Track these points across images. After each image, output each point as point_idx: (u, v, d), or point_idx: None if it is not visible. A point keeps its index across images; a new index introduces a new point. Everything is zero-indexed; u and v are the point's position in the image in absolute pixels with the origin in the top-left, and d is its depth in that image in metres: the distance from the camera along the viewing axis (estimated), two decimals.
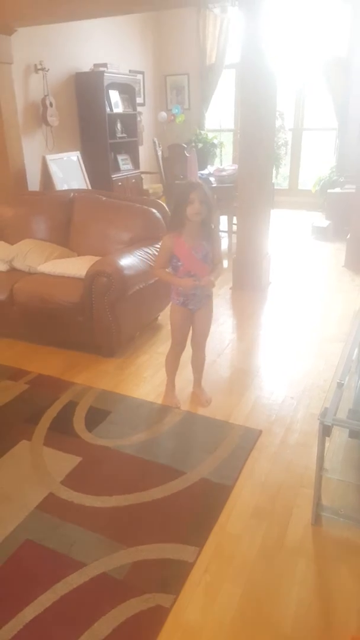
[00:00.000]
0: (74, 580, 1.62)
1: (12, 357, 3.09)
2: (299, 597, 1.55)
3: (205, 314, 2.45)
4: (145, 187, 6.38)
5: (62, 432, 2.37)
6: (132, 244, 3.28)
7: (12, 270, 3.33)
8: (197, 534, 1.78)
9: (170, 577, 1.62)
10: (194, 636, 1.45)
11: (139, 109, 6.30)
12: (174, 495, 1.96)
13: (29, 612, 1.52)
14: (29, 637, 1.46)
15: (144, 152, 6.44)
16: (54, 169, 5.00)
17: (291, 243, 5.60)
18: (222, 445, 2.24)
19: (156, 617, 1.50)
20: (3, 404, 2.60)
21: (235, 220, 4.85)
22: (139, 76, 6.46)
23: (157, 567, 1.66)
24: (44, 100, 5.00)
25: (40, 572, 1.66)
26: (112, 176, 5.69)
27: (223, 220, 5.47)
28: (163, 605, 1.53)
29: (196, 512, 1.88)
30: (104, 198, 3.63)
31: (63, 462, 2.16)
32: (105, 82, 5.40)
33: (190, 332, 2.52)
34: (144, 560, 1.68)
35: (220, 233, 2.43)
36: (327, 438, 1.69)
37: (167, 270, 2.34)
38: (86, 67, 5.51)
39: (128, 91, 6.00)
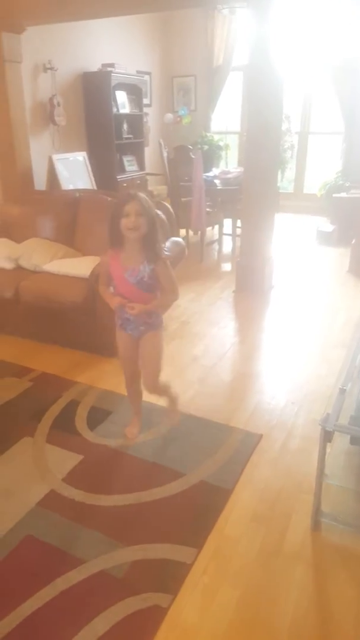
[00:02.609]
0: (73, 576, 1.64)
1: (16, 354, 3.11)
2: (297, 602, 1.56)
3: (145, 345, 2.11)
4: (149, 188, 6.40)
5: (64, 430, 2.39)
6: None
7: (18, 268, 3.35)
8: (195, 535, 1.80)
9: (168, 578, 1.64)
10: (191, 637, 1.47)
11: (145, 109, 6.31)
12: (173, 496, 1.98)
13: (28, 607, 1.54)
14: (27, 630, 1.48)
15: (149, 153, 6.45)
16: (60, 168, 5.02)
17: (295, 247, 5.61)
18: (222, 449, 2.25)
19: (154, 617, 1.52)
20: (7, 401, 2.62)
21: (239, 223, 4.88)
22: (146, 77, 6.48)
23: (156, 567, 1.68)
24: (51, 99, 5.02)
25: (40, 568, 1.68)
26: (117, 177, 5.71)
27: (227, 223, 5.48)
28: (161, 605, 1.55)
29: (195, 514, 1.90)
30: (109, 198, 3.64)
31: (65, 460, 2.18)
32: (113, 83, 5.42)
33: None
34: (143, 559, 1.70)
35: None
36: (328, 444, 1.70)
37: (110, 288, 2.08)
38: (94, 66, 5.53)
39: (135, 92, 6.01)
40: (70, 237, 3.62)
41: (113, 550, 1.73)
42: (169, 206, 3.65)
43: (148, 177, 6.36)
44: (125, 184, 5.79)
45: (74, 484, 2.04)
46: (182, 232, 5.05)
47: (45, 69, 4.98)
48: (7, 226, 3.72)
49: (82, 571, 1.66)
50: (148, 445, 2.28)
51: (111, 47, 5.81)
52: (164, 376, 2.77)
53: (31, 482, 2.06)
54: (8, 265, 3.34)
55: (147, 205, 1.86)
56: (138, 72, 6.27)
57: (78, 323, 3.08)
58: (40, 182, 4.96)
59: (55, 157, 5.02)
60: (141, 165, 6.21)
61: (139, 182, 6.09)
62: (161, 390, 2.25)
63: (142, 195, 1.88)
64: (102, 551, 1.73)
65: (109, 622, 1.49)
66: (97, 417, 2.49)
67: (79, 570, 1.66)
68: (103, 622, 1.49)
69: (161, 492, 1.99)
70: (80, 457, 2.20)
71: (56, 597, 1.57)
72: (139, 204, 1.84)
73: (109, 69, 5.46)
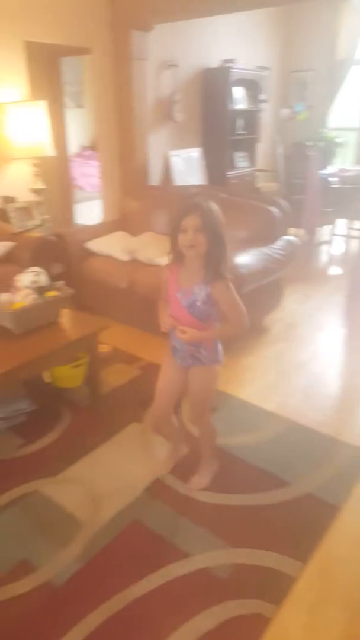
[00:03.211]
0: (178, 569, 1.67)
1: (127, 342, 3.25)
2: None
3: (192, 380, 1.84)
4: (258, 185, 6.30)
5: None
6: (248, 243, 3.26)
7: (134, 260, 3.49)
8: (299, 548, 1.75)
9: (272, 587, 1.61)
10: None
11: (260, 105, 6.21)
12: (278, 504, 1.94)
13: (133, 592, 1.60)
14: (131, 615, 1.53)
15: (261, 149, 6.35)
16: (175, 164, 5.13)
17: None
18: (330, 463, 2.16)
19: (257, 625, 1.50)
20: (117, 386, 2.76)
21: (355, 224, 4.63)
22: (265, 72, 6.36)
23: (259, 573, 1.66)
24: (171, 96, 5.13)
25: (145, 555, 1.74)
26: (227, 173, 5.69)
27: (340, 224, 5.23)
28: (264, 615, 1.53)
29: (300, 526, 1.85)
30: (223, 195, 3.64)
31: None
32: (232, 78, 5.40)
33: None
34: (247, 564, 1.69)
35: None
36: None
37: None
38: (214, 62, 5.55)
39: (252, 87, 5.94)
40: None
41: (217, 549, 1.74)
42: (284, 203, 3.57)
43: (257, 174, 6.27)
44: (234, 180, 5.76)
45: (179, 475, 2.08)
46: (291, 230, 4.91)
47: (168, 66, 5.09)
48: (125, 220, 3.89)
49: (186, 565, 1.69)
50: (252, 449, 2.26)
51: (232, 42, 5.78)
52: (269, 378, 2.71)
53: (138, 467, 2.14)
54: (125, 257, 3.49)
55: (210, 218, 1.58)
56: (257, 67, 6.18)
57: None
58: (154, 177, 5.10)
59: (171, 153, 5.13)
60: (252, 162, 6.13)
61: (248, 178, 6.03)
62: (205, 425, 1.99)
63: (206, 205, 1.59)
64: (207, 548, 1.74)
65: (212, 622, 1.50)
66: None
67: (183, 564, 1.69)
68: (206, 620, 1.51)
69: (266, 499, 1.97)
70: (186, 450, 2.24)
71: (160, 587, 1.61)
72: (199, 218, 1.56)
73: (229, 64, 5.44)
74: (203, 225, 1.56)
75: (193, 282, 1.67)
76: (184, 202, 1.62)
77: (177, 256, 1.68)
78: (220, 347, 1.84)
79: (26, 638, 1.48)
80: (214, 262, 1.63)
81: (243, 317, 1.71)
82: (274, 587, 1.61)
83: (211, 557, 1.71)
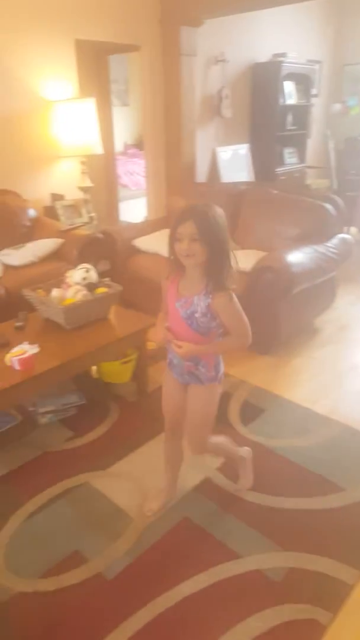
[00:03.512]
0: (229, 569, 1.65)
1: None
2: None
3: (190, 399, 1.70)
4: (307, 182, 6.15)
5: (217, 421, 2.37)
6: (300, 241, 3.19)
7: None
8: (357, 556, 1.68)
9: (327, 594, 1.56)
10: None
11: (311, 100, 6.06)
12: (333, 510, 1.88)
13: (183, 589, 1.59)
14: (182, 612, 1.53)
15: (310, 145, 6.20)
16: (222, 161, 5.09)
17: None
18: None
19: (312, 631, 1.46)
20: None
21: None
22: (316, 66, 6.20)
23: (314, 579, 1.61)
24: (220, 92, 5.08)
25: (196, 553, 1.72)
26: (276, 170, 5.59)
27: None
28: (319, 621, 1.48)
29: (357, 533, 1.78)
30: (275, 192, 3.58)
31: None
32: (282, 73, 5.30)
33: None
34: (301, 568, 1.65)
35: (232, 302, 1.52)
36: None
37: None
38: (264, 57, 5.45)
39: (303, 81, 5.80)
40: (230, 230, 3.60)
41: (270, 552, 1.70)
42: (339, 199, 3.46)
43: (307, 170, 6.12)
44: (283, 177, 5.65)
45: (229, 475, 2.05)
46: (352, 230, 4.76)
47: (217, 61, 5.04)
48: (172, 217, 3.88)
49: (237, 565, 1.66)
50: (303, 452, 2.20)
51: (282, 36, 5.66)
52: (320, 381, 2.62)
53: (186, 465, 2.11)
54: None
55: (208, 225, 1.42)
56: (308, 60, 6.03)
57: None
58: (200, 174, 5.07)
59: (218, 149, 5.09)
60: (301, 158, 6.00)
61: (297, 175, 5.90)
62: (211, 451, 1.86)
63: (202, 211, 1.44)
64: (258, 550, 1.71)
65: (265, 624, 1.47)
66: (250, 413, 2.48)
67: (234, 564, 1.67)
68: (259, 623, 1.48)
69: (320, 503, 1.91)
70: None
71: (211, 586, 1.60)
72: (194, 226, 1.42)
73: (280, 58, 5.34)
74: (199, 234, 1.42)
75: (193, 292, 1.54)
76: (179, 210, 1.49)
77: (178, 264, 1.54)
78: (221, 365, 1.68)
79: (78, 629, 1.50)
80: (215, 272, 1.49)
81: (246, 331, 1.56)
82: (329, 594, 1.56)
83: (263, 559, 1.68)
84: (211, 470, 2.09)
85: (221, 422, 2.39)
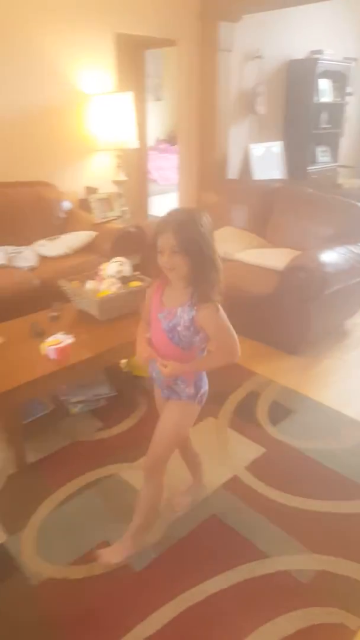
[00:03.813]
0: (256, 568, 1.65)
1: None
2: None
3: (166, 411, 1.62)
4: (339, 181, 6.06)
5: (245, 419, 2.42)
6: (334, 240, 3.14)
7: None
8: None
9: (354, 598, 1.55)
10: None
11: (346, 98, 5.95)
12: None
13: (213, 585, 1.59)
14: (208, 609, 1.52)
15: (344, 144, 6.10)
16: (254, 157, 5.04)
17: None
18: None
19: (340, 635, 1.45)
20: None
21: None
22: (353, 63, 6.08)
23: (342, 583, 1.60)
24: (255, 88, 5.03)
25: (223, 550, 1.73)
26: (308, 168, 5.52)
27: None
28: (348, 626, 1.47)
29: None
30: (309, 190, 3.54)
31: (247, 449, 2.21)
32: (318, 70, 5.22)
33: None
34: (329, 572, 1.63)
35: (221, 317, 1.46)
36: None
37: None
38: (300, 54, 5.38)
39: (339, 79, 5.70)
40: (262, 228, 3.61)
41: (298, 553, 1.69)
42: None
43: (340, 169, 6.03)
44: (315, 176, 5.58)
45: (257, 474, 2.05)
46: None
47: (253, 58, 5.00)
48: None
49: (265, 565, 1.66)
50: (332, 454, 2.18)
51: (318, 33, 5.57)
52: (351, 383, 2.56)
53: (215, 462, 2.12)
54: None
55: (189, 237, 1.33)
56: (344, 58, 5.92)
57: (262, 315, 3.07)
58: (233, 171, 5.04)
59: (251, 146, 5.05)
60: (334, 157, 5.91)
61: (329, 174, 5.81)
62: (155, 478, 1.63)
63: (183, 220, 1.35)
64: (287, 551, 1.70)
65: (293, 626, 1.47)
66: (278, 413, 2.47)
67: (262, 563, 1.66)
68: (287, 624, 1.47)
69: (349, 507, 1.89)
70: (263, 449, 2.20)
71: (239, 584, 1.59)
72: (173, 238, 1.33)
73: (316, 56, 5.26)
74: (178, 246, 1.34)
75: (177, 303, 1.45)
76: (160, 218, 1.39)
77: (158, 274, 1.47)
78: (204, 382, 1.61)
79: (106, 619, 1.52)
80: (199, 285, 1.40)
81: (234, 346, 1.46)
82: (357, 600, 1.54)
83: (291, 560, 1.67)
84: (239, 468, 2.09)
85: (249, 422, 2.39)
